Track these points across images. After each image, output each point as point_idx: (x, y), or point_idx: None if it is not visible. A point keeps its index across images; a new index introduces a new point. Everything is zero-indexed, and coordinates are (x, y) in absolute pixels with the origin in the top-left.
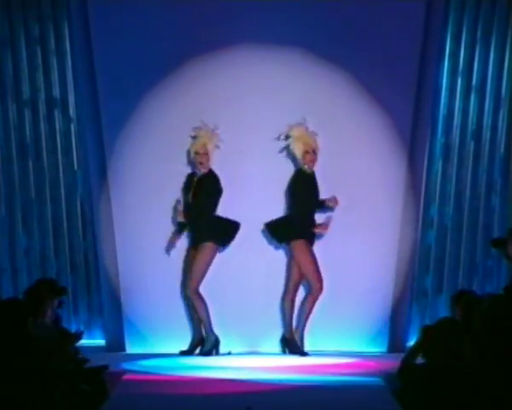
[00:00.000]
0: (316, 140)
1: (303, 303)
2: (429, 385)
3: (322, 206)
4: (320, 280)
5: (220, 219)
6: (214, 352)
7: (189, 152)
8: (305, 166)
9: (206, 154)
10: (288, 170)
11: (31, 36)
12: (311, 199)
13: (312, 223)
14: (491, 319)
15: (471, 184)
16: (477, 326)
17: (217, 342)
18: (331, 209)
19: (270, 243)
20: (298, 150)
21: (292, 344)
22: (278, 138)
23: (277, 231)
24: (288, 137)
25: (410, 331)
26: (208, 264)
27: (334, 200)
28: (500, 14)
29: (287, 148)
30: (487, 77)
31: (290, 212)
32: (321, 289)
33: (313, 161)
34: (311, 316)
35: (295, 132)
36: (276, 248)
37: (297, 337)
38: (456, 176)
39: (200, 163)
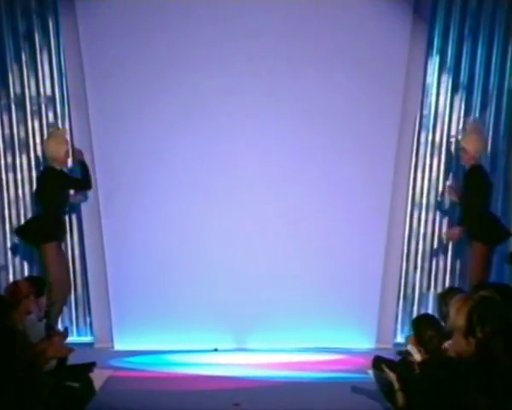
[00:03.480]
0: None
1: None
2: (415, 382)
3: None
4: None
5: None
6: None
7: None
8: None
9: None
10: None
11: (18, 32)
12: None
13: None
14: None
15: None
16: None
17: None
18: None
19: (259, 238)
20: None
21: None
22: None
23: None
24: None
25: (397, 328)
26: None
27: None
28: (487, 11)
29: None
30: (475, 74)
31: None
32: None
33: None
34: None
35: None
36: (267, 244)
37: None
38: (443, 173)
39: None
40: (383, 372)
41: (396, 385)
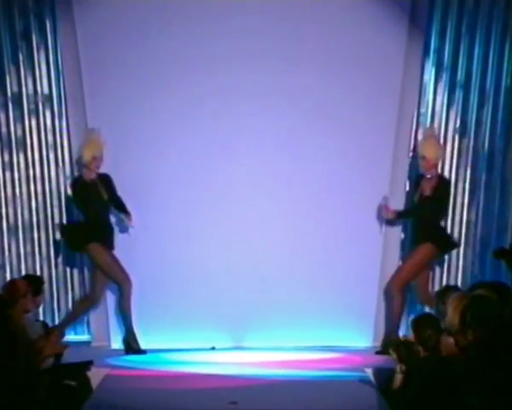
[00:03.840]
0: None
1: None
2: (413, 380)
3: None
4: None
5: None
6: None
7: (81, 157)
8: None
9: (102, 158)
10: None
11: (15, 31)
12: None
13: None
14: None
15: (455, 180)
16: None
17: None
18: None
19: (257, 237)
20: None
21: None
22: None
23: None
24: None
25: None
26: None
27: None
28: (484, 10)
29: None
30: (472, 72)
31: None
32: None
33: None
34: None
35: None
36: (264, 243)
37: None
38: (440, 171)
39: (97, 167)
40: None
41: (398, 367)
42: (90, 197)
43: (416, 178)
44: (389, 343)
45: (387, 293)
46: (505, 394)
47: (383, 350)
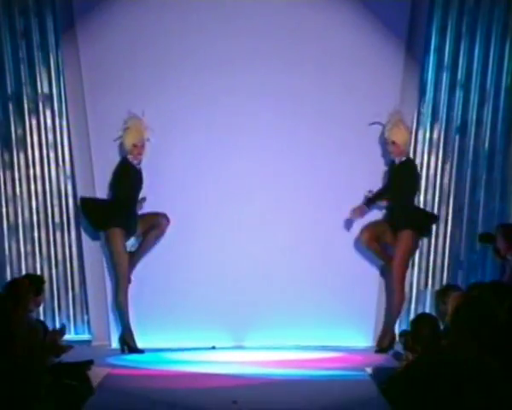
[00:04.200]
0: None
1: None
2: (413, 380)
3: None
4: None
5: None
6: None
7: (122, 144)
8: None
9: (143, 145)
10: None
11: (15, 30)
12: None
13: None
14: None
15: (456, 179)
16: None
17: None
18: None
19: (257, 236)
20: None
21: None
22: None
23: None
24: None
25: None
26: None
27: None
28: (485, 9)
29: None
30: (472, 71)
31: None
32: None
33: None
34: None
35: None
36: (265, 242)
37: None
38: (441, 170)
39: (139, 154)
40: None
41: (404, 355)
42: (130, 182)
43: (389, 164)
44: (382, 340)
45: (388, 289)
46: (502, 392)
47: (379, 346)
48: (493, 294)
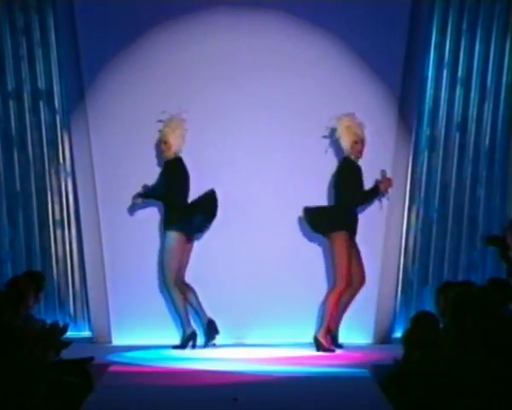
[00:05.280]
0: (363, 131)
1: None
2: (413, 377)
3: (373, 194)
4: (347, 277)
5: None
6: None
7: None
8: (353, 157)
9: (166, 142)
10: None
11: (16, 27)
12: (359, 189)
13: (355, 216)
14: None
15: (456, 176)
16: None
17: (194, 336)
18: (383, 195)
19: (256, 233)
20: (346, 140)
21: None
22: (327, 129)
23: (317, 221)
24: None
25: (396, 323)
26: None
27: (388, 181)
28: (485, 6)
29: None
30: (473, 69)
31: (335, 202)
32: (346, 286)
33: (361, 151)
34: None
35: (344, 122)
36: (263, 238)
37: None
38: (441, 168)
39: (162, 151)
40: None
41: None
42: (178, 181)
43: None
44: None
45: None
46: (501, 393)
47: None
48: (492, 290)
